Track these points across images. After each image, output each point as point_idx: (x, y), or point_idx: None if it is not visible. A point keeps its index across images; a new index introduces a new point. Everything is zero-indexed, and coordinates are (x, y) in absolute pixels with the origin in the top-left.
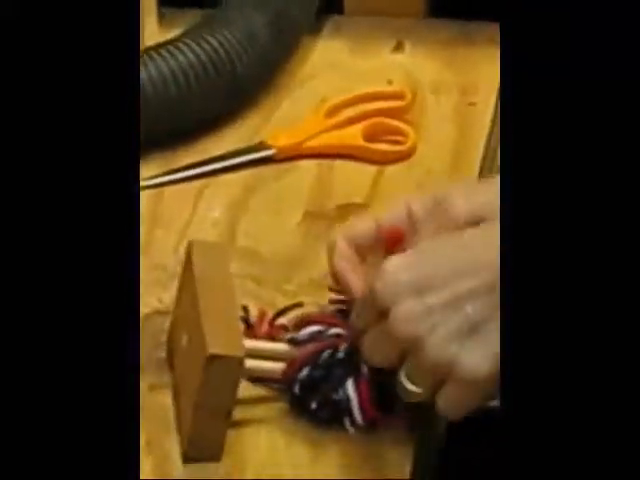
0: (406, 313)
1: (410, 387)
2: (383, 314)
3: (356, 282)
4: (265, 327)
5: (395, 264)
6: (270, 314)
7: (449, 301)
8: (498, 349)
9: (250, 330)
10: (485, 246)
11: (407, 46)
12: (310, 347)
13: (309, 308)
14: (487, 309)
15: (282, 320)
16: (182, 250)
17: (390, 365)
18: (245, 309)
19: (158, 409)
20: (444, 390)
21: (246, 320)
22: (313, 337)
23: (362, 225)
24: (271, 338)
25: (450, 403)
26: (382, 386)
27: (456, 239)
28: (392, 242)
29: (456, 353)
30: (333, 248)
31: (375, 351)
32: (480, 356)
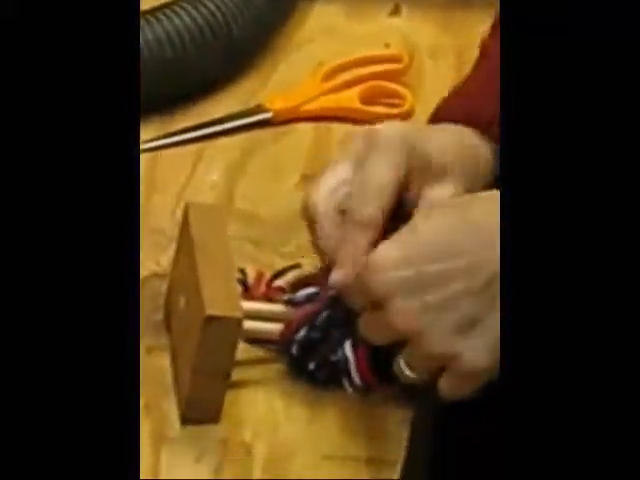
0: (403, 310)
1: (408, 373)
2: (377, 304)
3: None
4: (262, 289)
5: (386, 257)
6: (267, 276)
7: (446, 299)
8: (498, 341)
9: (247, 292)
10: (476, 229)
11: (404, 9)
12: (307, 308)
13: (306, 270)
14: (484, 305)
15: (279, 282)
16: (180, 213)
17: (387, 345)
18: (242, 271)
19: (156, 371)
20: (444, 378)
21: (243, 282)
22: (310, 298)
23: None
24: (268, 300)
25: (450, 389)
26: (380, 350)
27: (447, 221)
28: None
29: (456, 347)
30: (313, 213)
31: (371, 334)
32: (480, 349)
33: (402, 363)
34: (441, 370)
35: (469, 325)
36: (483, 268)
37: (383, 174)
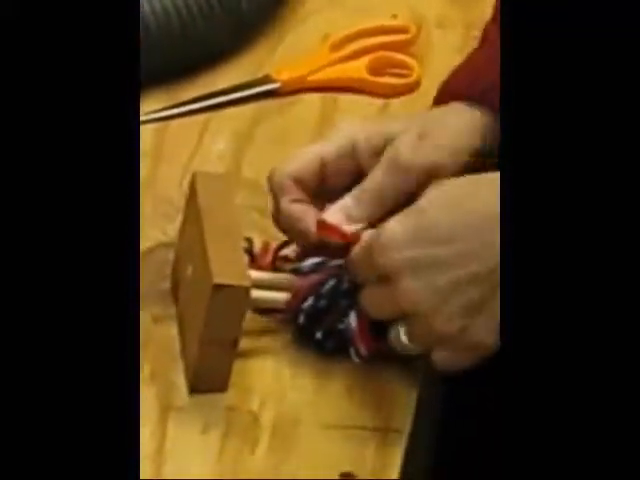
0: (411, 289)
1: (408, 344)
2: (384, 279)
3: (312, 227)
4: (268, 258)
5: (396, 235)
6: (274, 246)
7: (454, 282)
8: None
9: (254, 261)
10: (484, 206)
11: None
12: (314, 277)
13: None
14: (491, 288)
15: (286, 252)
16: (187, 183)
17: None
18: (249, 241)
19: (163, 341)
20: (442, 351)
21: (250, 251)
22: (317, 267)
23: (306, 161)
24: (274, 269)
25: (447, 362)
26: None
27: (452, 200)
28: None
29: (461, 327)
30: (280, 188)
31: (374, 308)
32: (484, 329)
33: (402, 332)
34: (440, 346)
35: (475, 307)
36: (491, 252)
37: (302, 154)
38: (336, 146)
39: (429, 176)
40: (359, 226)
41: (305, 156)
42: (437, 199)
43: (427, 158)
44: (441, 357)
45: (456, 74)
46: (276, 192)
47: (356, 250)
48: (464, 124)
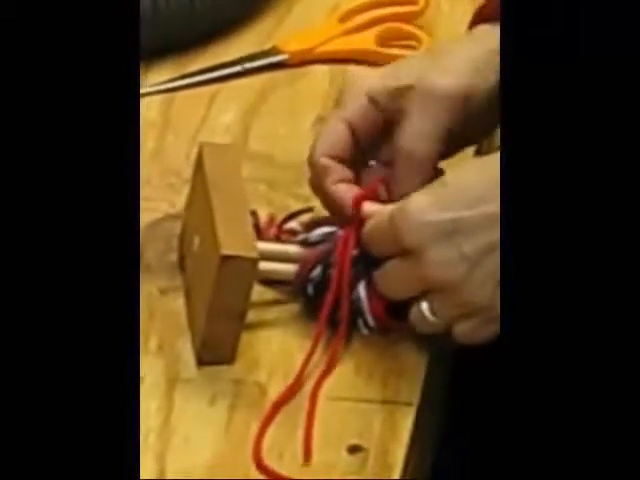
0: (440, 259)
1: (432, 318)
2: (407, 252)
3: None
4: (274, 231)
5: (420, 205)
6: (279, 218)
7: (483, 247)
8: None
9: (258, 234)
10: None
11: None
12: (321, 247)
13: (319, 213)
14: None
15: (291, 224)
16: (194, 155)
17: (406, 298)
18: (253, 213)
19: (170, 313)
20: (467, 323)
21: (255, 224)
22: (325, 238)
23: (336, 133)
24: (280, 242)
25: (472, 334)
26: None
27: (479, 167)
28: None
29: (492, 296)
30: (322, 170)
31: (395, 286)
32: None
33: (425, 308)
34: (463, 318)
35: None
36: None
37: (329, 126)
38: (357, 106)
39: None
40: None
41: (334, 129)
42: (462, 170)
43: (464, 82)
44: (464, 330)
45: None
46: (318, 175)
47: (377, 224)
48: (486, 45)
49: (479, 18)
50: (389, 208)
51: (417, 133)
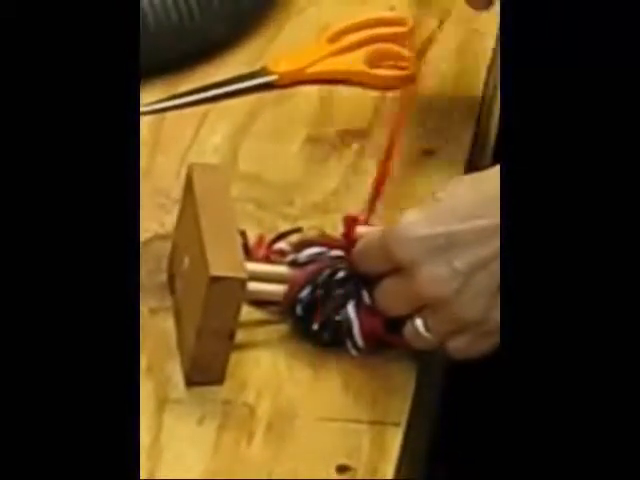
0: (432, 275)
1: (425, 334)
2: (399, 268)
3: None
4: (263, 251)
5: (412, 220)
6: (268, 238)
7: (475, 262)
8: None
9: (247, 255)
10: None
11: None
12: (310, 267)
13: (308, 233)
14: None
15: (281, 244)
16: (184, 175)
17: (405, 315)
18: (242, 233)
19: (160, 333)
20: (462, 337)
21: (243, 245)
22: (314, 259)
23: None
24: (269, 262)
25: (467, 349)
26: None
27: (471, 183)
28: None
29: (485, 310)
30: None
31: (391, 303)
32: None
33: (420, 324)
34: (457, 333)
35: (497, 287)
36: None
37: None
38: None
39: None
40: None
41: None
42: (454, 187)
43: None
44: (458, 345)
45: None
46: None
47: (369, 242)
48: None
49: None
50: (378, 228)
51: None
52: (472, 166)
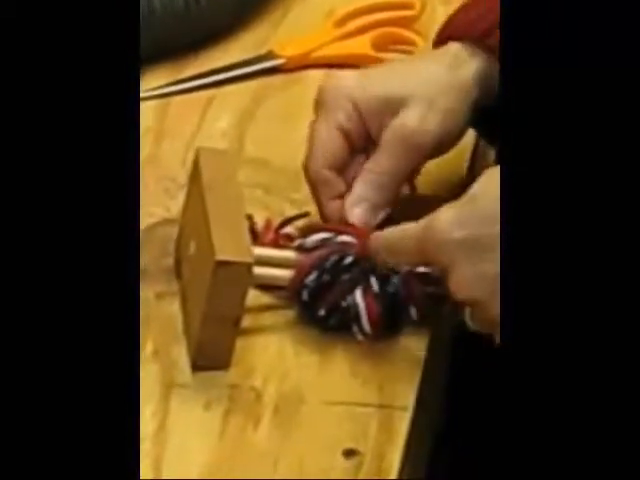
0: (467, 278)
1: (473, 326)
2: (431, 264)
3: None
4: (270, 236)
5: (448, 221)
6: (276, 223)
7: None
8: None
9: (255, 239)
10: None
11: None
12: (317, 252)
13: (315, 218)
14: None
15: (288, 229)
16: (190, 160)
17: None
18: (250, 218)
19: (166, 317)
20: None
21: (251, 229)
22: (321, 243)
23: (329, 142)
24: (276, 247)
25: None
26: (390, 298)
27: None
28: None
29: None
30: (320, 184)
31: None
32: None
33: (469, 320)
34: None
35: None
36: None
37: (323, 134)
38: (345, 112)
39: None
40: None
41: (329, 138)
42: (489, 185)
43: (437, 127)
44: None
45: (456, 14)
46: (317, 188)
47: (403, 238)
48: (466, 76)
49: (447, 36)
50: (414, 225)
51: (385, 167)
52: (475, 151)
